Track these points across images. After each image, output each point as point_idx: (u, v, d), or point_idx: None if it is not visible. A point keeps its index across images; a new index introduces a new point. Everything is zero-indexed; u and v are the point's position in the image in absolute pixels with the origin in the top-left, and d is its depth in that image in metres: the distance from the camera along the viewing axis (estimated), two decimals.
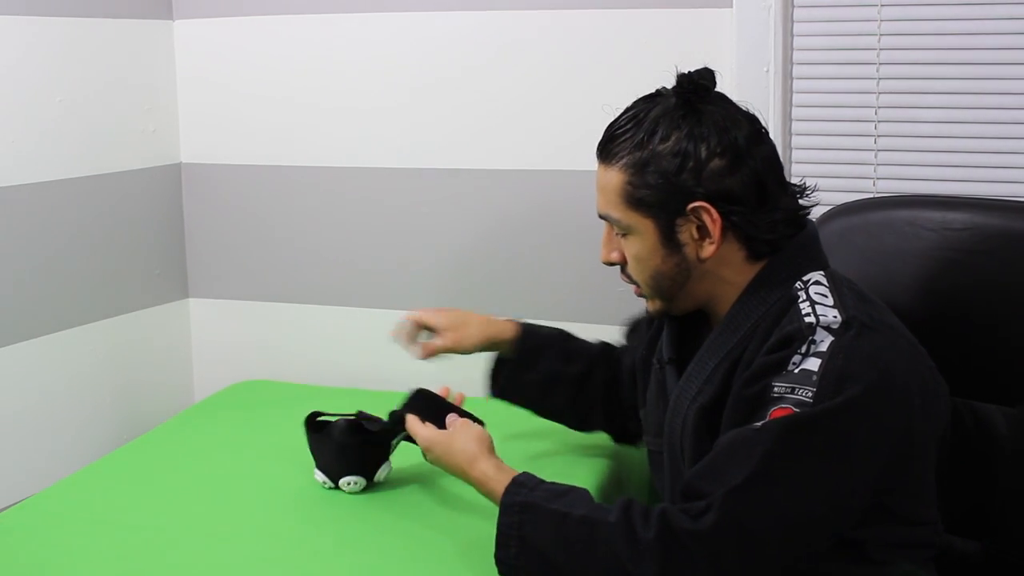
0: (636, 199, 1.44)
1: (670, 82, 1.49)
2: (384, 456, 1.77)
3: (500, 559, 1.42)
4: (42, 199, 2.20)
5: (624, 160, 1.44)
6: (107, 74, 2.33)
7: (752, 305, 1.43)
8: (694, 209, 1.41)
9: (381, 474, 1.77)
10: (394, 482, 1.80)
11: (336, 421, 1.77)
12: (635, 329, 1.79)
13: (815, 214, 1.54)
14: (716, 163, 1.41)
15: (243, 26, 2.45)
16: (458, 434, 1.58)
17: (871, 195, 2.04)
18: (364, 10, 2.35)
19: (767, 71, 2.08)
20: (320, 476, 1.78)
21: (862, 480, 1.33)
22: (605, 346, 1.85)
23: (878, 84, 2.05)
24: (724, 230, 1.42)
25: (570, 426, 1.89)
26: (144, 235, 2.46)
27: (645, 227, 1.45)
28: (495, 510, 1.47)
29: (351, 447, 1.75)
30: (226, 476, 1.89)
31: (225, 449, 2.03)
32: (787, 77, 2.08)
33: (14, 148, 2.13)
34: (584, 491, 1.43)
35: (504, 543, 1.41)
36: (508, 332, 1.82)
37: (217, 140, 2.51)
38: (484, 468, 1.51)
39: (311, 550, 1.61)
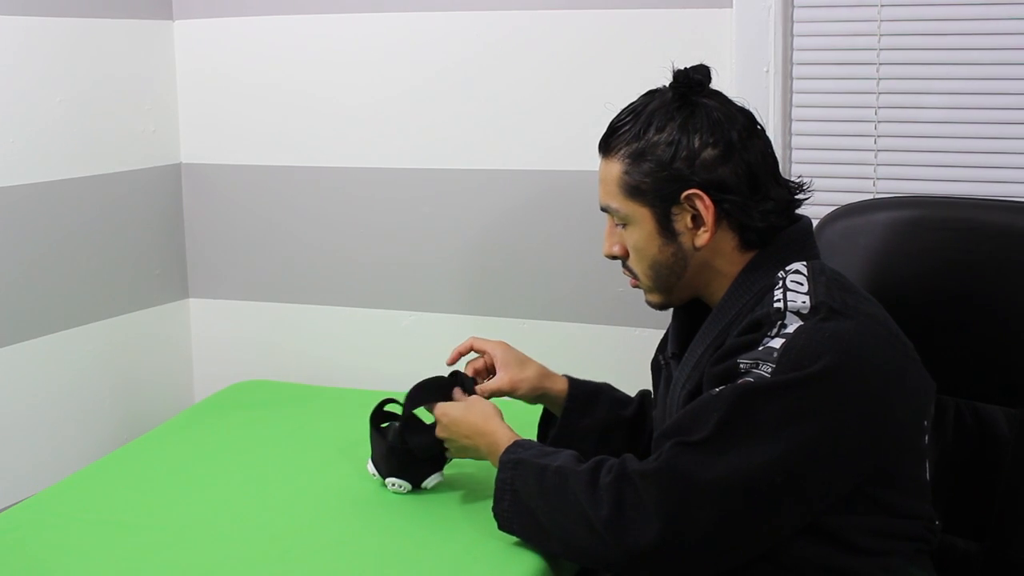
0: (633, 188, 1.49)
1: (670, 81, 1.53)
2: (437, 467, 1.76)
3: (496, 512, 1.54)
4: (42, 199, 2.20)
5: (622, 151, 1.50)
6: (107, 74, 2.33)
7: (737, 296, 1.48)
8: (688, 197, 1.46)
9: (430, 482, 1.76)
10: None
11: (391, 424, 1.77)
12: None
13: (817, 214, 1.55)
14: (709, 153, 1.46)
15: (243, 26, 2.45)
16: (475, 401, 1.69)
17: (871, 195, 2.04)
18: (364, 10, 2.35)
19: (767, 71, 2.08)
20: (372, 468, 1.79)
21: (820, 456, 1.34)
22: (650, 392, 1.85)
23: (878, 84, 2.05)
24: (718, 219, 1.47)
25: None
26: (144, 235, 2.46)
27: (642, 216, 1.50)
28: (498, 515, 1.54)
29: (401, 452, 1.75)
30: (226, 476, 1.89)
31: (225, 449, 2.03)
32: (787, 77, 2.09)
33: (14, 148, 2.13)
34: (571, 452, 1.51)
35: (500, 497, 1.53)
36: (560, 384, 1.79)
37: (217, 140, 2.51)
38: (496, 427, 1.62)
39: (311, 549, 1.61)
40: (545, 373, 1.79)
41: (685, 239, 1.49)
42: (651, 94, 1.53)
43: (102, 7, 2.31)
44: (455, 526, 1.66)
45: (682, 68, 1.51)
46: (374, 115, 2.38)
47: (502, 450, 1.55)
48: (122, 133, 2.38)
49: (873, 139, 2.07)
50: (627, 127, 1.50)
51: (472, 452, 1.67)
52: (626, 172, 1.49)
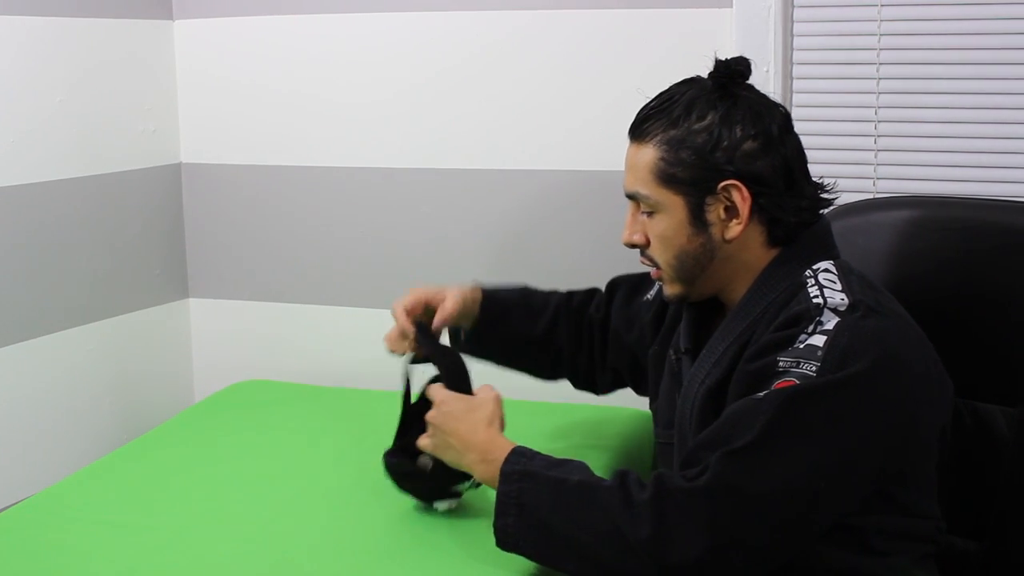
0: (668, 175, 1.46)
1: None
2: (445, 494, 1.67)
3: (499, 527, 1.43)
4: (42, 199, 2.20)
5: (658, 137, 1.46)
6: (107, 74, 2.33)
7: (763, 292, 1.46)
8: (725, 187, 1.44)
9: (441, 506, 1.68)
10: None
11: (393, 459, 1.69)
12: (630, 293, 1.81)
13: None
14: (749, 145, 1.44)
15: (243, 26, 2.45)
16: (482, 402, 1.57)
17: (871, 195, 2.04)
18: (364, 10, 2.35)
19: (767, 71, 2.08)
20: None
21: (861, 458, 1.33)
22: (566, 297, 1.86)
23: (878, 84, 2.05)
24: (751, 212, 1.45)
25: (535, 376, 1.92)
26: (144, 235, 2.46)
27: (674, 204, 1.46)
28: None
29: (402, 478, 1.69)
30: (226, 476, 1.89)
31: (225, 449, 2.03)
32: (787, 77, 2.09)
33: (14, 148, 2.13)
34: (581, 462, 1.45)
35: (503, 511, 1.43)
36: (477, 292, 1.81)
37: (217, 140, 2.51)
38: (493, 436, 1.51)
39: (310, 550, 1.61)
40: (459, 286, 1.80)
41: (715, 230, 1.46)
42: (688, 82, 1.50)
43: (102, 7, 2.31)
44: (456, 527, 1.65)
45: (723, 59, 1.49)
46: (374, 115, 2.38)
47: (501, 459, 1.45)
48: (122, 133, 2.38)
49: (873, 139, 2.07)
50: (664, 113, 1.46)
51: (451, 454, 1.55)
52: (662, 159, 1.45)
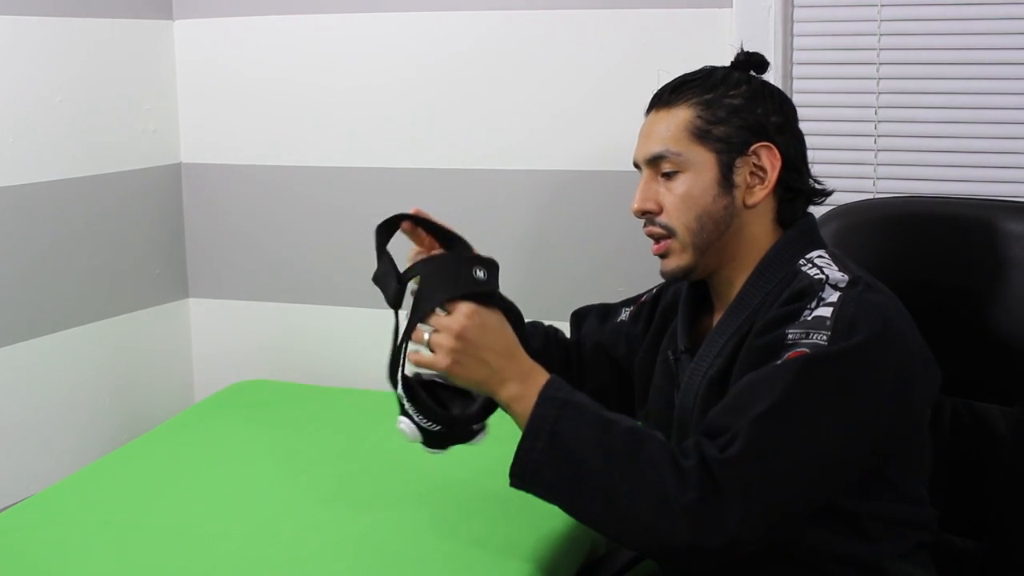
0: (703, 131, 1.48)
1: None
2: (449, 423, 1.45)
3: (522, 451, 1.35)
4: (42, 199, 2.20)
5: (693, 100, 1.49)
6: (107, 74, 2.33)
7: (759, 285, 1.47)
8: (756, 149, 1.47)
9: (406, 428, 1.45)
10: (398, 483, 1.80)
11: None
12: (602, 317, 1.80)
13: (815, 214, 1.56)
14: (776, 119, 1.49)
15: (243, 26, 2.45)
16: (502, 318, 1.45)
17: (871, 195, 2.04)
18: (364, 10, 2.35)
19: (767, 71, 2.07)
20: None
21: (866, 428, 1.35)
22: (549, 327, 1.84)
23: (878, 84, 2.05)
24: (775, 180, 1.48)
25: None
26: (144, 235, 2.47)
27: (705, 162, 1.48)
28: (500, 513, 1.53)
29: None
30: (226, 476, 1.89)
31: (225, 449, 2.03)
32: (787, 77, 2.09)
33: (14, 148, 2.13)
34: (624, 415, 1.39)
35: (533, 434, 1.35)
36: None
37: (217, 140, 2.51)
38: (525, 355, 1.42)
39: (310, 550, 1.61)
40: None
41: (739, 193, 1.48)
42: (707, 67, 1.54)
43: (102, 7, 2.31)
44: (455, 527, 1.66)
45: (744, 50, 1.55)
46: (374, 115, 2.38)
47: (542, 382, 1.38)
48: (122, 133, 2.39)
49: (873, 139, 2.07)
50: (695, 83, 1.51)
51: (480, 373, 1.40)
52: (699, 116, 1.48)
